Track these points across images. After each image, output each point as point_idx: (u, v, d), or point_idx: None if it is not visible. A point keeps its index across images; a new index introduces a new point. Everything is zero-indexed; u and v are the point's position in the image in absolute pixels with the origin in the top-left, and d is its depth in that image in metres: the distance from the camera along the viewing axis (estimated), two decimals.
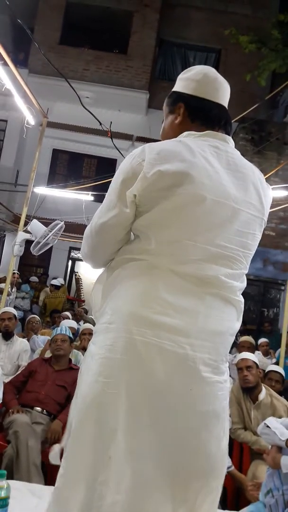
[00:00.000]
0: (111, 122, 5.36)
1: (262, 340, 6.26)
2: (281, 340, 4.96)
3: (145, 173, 1.11)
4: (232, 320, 1.19)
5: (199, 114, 1.26)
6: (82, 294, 10.39)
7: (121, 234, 1.20)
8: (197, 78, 1.28)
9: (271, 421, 2.30)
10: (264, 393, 3.11)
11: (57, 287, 8.58)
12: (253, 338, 5.39)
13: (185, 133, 1.23)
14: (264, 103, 7.40)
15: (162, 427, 1.06)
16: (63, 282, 9.59)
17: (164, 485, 1.05)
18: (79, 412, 1.12)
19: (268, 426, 2.26)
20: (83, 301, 9.31)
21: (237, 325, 1.22)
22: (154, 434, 1.05)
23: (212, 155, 1.17)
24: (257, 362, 3.25)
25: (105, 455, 1.05)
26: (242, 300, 1.23)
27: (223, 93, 1.29)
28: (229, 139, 1.25)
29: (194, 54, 11.20)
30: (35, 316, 5.17)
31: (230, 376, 1.28)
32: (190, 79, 1.30)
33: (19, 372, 3.66)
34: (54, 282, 8.67)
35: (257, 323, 8.64)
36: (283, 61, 8.31)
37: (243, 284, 1.23)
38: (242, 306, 1.23)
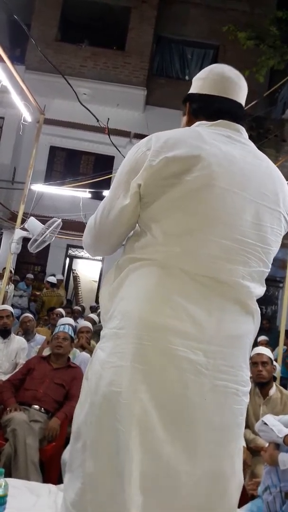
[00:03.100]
0: (108, 118, 5.33)
1: (262, 338, 6.26)
2: (279, 337, 4.97)
3: (151, 161, 1.07)
4: (248, 323, 1.11)
5: (201, 109, 1.23)
6: (79, 292, 10.39)
7: (125, 226, 1.16)
8: (203, 76, 1.27)
9: (268, 418, 2.30)
10: (275, 388, 3.11)
11: (52, 285, 8.57)
12: None
13: (197, 123, 1.20)
14: (262, 100, 7.38)
15: (176, 440, 1.00)
16: (62, 278, 9.61)
17: (173, 505, 1.00)
18: (92, 423, 1.07)
19: (265, 423, 2.27)
20: (79, 300, 9.29)
21: (253, 328, 1.14)
22: (169, 448, 1.00)
23: (225, 144, 1.12)
24: (272, 357, 3.20)
25: (119, 470, 1.00)
26: (258, 308, 1.15)
27: (229, 87, 1.23)
28: (242, 129, 1.20)
29: (192, 50, 11.16)
30: (28, 315, 5.14)
31: None
32: (198, 79, 1.28)
33: (17, 370, 3.66)
34: (49, 279, 8.66)
35: None
36: (281, 58, 8.29)
37: (260, 289, 1.15)
38: (259, 315, 1.15)
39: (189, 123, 1.24)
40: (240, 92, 1.25)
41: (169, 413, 1.01)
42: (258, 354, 3.15)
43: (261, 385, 3.09)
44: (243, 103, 1.26)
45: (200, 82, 1.26)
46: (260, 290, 1.15)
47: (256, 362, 3.10)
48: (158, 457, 0.99)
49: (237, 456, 1.08)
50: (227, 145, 1.12)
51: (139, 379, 1.01)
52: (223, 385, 1.04)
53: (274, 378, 3.66)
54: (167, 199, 1.07)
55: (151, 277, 1.07)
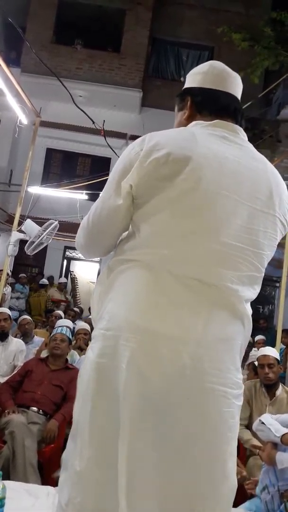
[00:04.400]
0: (104, 120, 5.34)
1: (259, 337, 6.29)
2: (276, 336, 4.98)
3: (142, 162, 1.06)
4: (237, 325, 1.09)
5: (206, 103, 1.20)
6: (77, 293, 10.39)
7: (118, 227, 1.15)
8: (203, 70, 1.25)
9: (266, 417, 2.31)
10: (281, 389, 3.11)
11: (42, 286, 8.70)
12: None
13: (193, 122, 1.18)
14: (257, 101, 7.41)
15: (160, 442, 1.00)
16: (65, 280, 9.74)
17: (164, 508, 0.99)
18: (83, 422, 1.08)
19: (263, 423, 2.28)
20: (68, 301, 9.31)
21: (242, 331, 1.11)
22: (153, 450, 0.99)
23: (218, 145, 1.10)
24: (278, 358, 3.18)
25: (107, 470, 1.01)
26: (249, 312, 1.13)
27: (231, 83, 1.23)
28: (240, 129, 1.18)
29: (187, 52, 11.19)
30: (26, 317, 5.12)
31: None
32: (196, 73, 1.26)
33: (15, 372, 3.66)
34: (41, 281, 8.81)
35: (252, 320, 8.66)
36: (276, 59, 8.32)
37: (251, 293, 1.12)
38: (249, 319, 1.13)
39: (190, 118, 1.21)
40: (238, 88, 1.26)
41: (155, 416, 1.00)
42: (265, 356, 3.11)
43: (268, 386, 3.09)
44: (240, 99, 1.26)
45: (201, 76, 1.24)
46: (251, 293, 1.12)
47: (262, 364, 3.08)
48: (144, 458, 0.99)
49: (230, 460, 1.06)
50: (221, 147, 1.10)
51: (125, 381, 1.01)
52: (210, 388, 1.01)
53: (282, 380, 3.65)
54: (157, 201, 1.06)
55: (138, 279, 1.07)
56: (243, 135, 1.18)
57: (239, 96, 1.25)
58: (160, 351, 1.00)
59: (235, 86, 1.24)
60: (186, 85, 1.28)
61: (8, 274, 5.37)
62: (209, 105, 1.20)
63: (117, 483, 0.99)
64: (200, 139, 1.09)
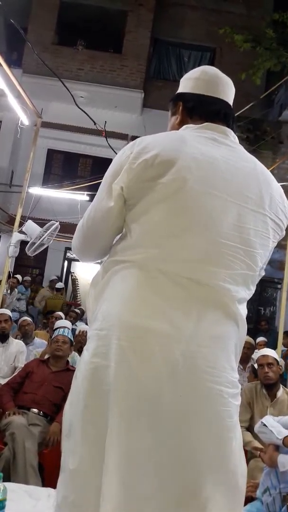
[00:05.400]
0: (105, 121, 5.34)
1: (260, 339, 6.27)
2: (278, 338, 4.97)
3: (131, 164, 1.09)
4: (230, 325, 1.08)
5: (197, 109, 1.23)
6: (78, 295, 10.38)
7: (110, 229, 1.17)
8: (195, 76, 1.28)
9: (267, 419, 2.30)
10: (282, 390, 3.12)
11: (58, 290, 8.66)
12: (251, 337, 5.35)
13: (184, 126, 1.22)
14: (259, 102, 7.40)
15: (154, 441, 0.99)
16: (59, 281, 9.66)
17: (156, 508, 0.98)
18: (75, 417, 1.10)
19: (265, 425, 2.27)
20: (79, 304, 9.29)
21: (236, 331, 1.09)
22: (146, 451, 0.99)
23: (207, 146, 1.12)
24: (278, 359, 3.20)
25: (99, 470, 1.00)
26: (243, 313, 1.11)
27: (223, 88, 1.26)
28: (229, 132, 1.20)
29: (189, 53, 11.20)
30: (27, 318, 5.12)
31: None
32: (188, 78, 1.29)
33: (15, 373, 3.65)
34: (57, 285, 8.76)
35: (253, 322, 8.67)
36: (277, 60, 8.32)
37: (245, 293, 1.11)
38: (243, 320, 1.11)
39: (182, 122, 1.25)
40: (230, 92, 1.28)
41: (147, 415, 0.99)
42: (264, 356, 3.15)
43: (268, 386, 3.10)
44: (231, 104, 1.29)
45: (192, 82, 1.27)
46: (245, 293, 1.11)
47: (262, 364, 3.10)
48: (137, 460, 0.99)
49: (233, 459, 1.05)
50: (210, 148, 1.12)
51: (118, 379, 1.01)
52: (204, 386, 1.00)
53: (283, 382, 3.65)
54: (148, 202, 1.08)
55: (130, 279, 1.08)
56: (233, 137, 1.20)
57: (231, 101, 1.28)
58: (152, 349, 1.00)
59: (227, 90, 1.27)
60: (179, 90, 1.31)
61: (16, 278, 5.37)
62: (200, 110, 1.23)
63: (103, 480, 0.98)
64: (189, 141, 1.11)
